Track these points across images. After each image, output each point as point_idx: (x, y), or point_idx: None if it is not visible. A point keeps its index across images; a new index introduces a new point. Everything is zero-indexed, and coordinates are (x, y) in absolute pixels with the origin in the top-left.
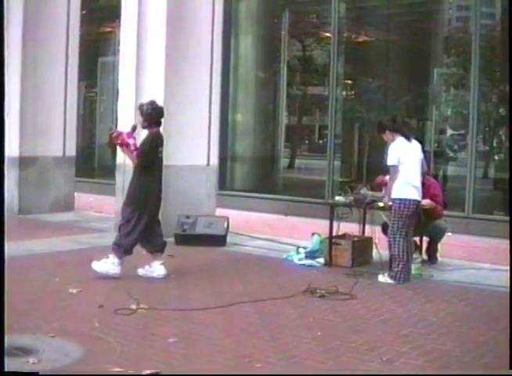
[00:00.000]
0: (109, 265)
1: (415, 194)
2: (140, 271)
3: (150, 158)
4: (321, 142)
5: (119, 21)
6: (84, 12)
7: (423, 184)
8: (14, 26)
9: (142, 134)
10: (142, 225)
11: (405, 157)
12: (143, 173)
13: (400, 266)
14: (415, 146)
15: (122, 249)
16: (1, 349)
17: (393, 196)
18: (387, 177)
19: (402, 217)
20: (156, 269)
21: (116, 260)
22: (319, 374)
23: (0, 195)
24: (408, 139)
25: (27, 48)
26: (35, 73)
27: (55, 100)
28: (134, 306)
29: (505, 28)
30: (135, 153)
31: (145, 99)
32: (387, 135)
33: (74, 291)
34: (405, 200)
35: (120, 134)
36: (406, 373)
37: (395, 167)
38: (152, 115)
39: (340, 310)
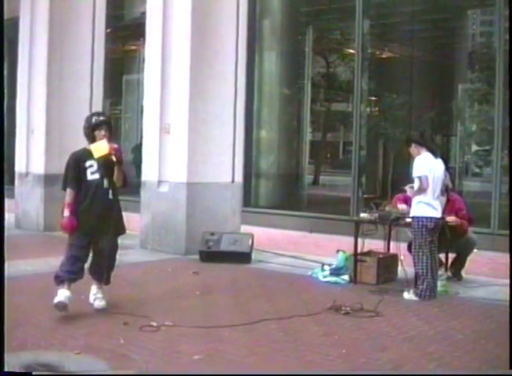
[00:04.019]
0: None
1: (432, 212)
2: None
3: None
4: (345, 158)
5: (143, 39)
6: (109, 30)
7: (448, 200)
8: (40, 44)
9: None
10: None
11: (427, 172)
12: None
13: (425, 284)
14: (439, 164)
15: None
16: (1, 349)
17: (411, 214)
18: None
19: (422, 234)
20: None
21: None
22: (320, 374)
23: (0, 203)
24: (434, 154)
25: (53, 67)
26: (60, 91)
27: (80, 118)
28: (155, 323)
29: None
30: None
31: (170, 117)
32: (413, 149)
33: (100, 307)
34: (422, 217)
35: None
36: (406, 373)
37: (424, 177)
38: None
39: (366, 327)
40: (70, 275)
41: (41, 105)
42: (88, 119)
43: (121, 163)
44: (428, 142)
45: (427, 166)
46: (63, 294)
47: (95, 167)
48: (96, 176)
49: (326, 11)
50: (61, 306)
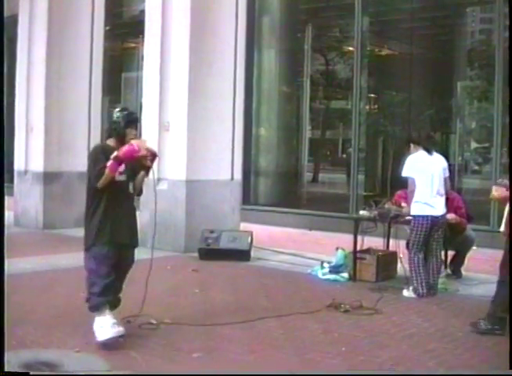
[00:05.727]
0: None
1: (429, 210)
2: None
3: None
4: (344, 156)
5: (142, 37)
6: (108, 28)
7: (447, 198)
8: (38, 42)
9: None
10: None
11: (418, 171)
12: None
13: (418, 280)
14: (436, 159)
15: None
16: (1, 349)
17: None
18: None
19: (417, 233)
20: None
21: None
22: (320, 374)
23: (0, 202)
24: (428, 151)
25: (52, 65)
26: (59, 89)
27: (79, 116)
28: (154, 321)
29: None
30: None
31: (169, 115)
32: (411, 149)
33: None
34: (418, 216)
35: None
36: (406, 373)
37: (410, 179)
38: None
39: (365, 325)
40: (102, 298)
41: (39, 103)
42: (123, 115)
43: (149, 171)
44: (423, 140)
45: (416, 166)
46: (107, 324)
47: (123, 166)
48: (123, 178)
49: (325, 8)
50: (113, 343)
